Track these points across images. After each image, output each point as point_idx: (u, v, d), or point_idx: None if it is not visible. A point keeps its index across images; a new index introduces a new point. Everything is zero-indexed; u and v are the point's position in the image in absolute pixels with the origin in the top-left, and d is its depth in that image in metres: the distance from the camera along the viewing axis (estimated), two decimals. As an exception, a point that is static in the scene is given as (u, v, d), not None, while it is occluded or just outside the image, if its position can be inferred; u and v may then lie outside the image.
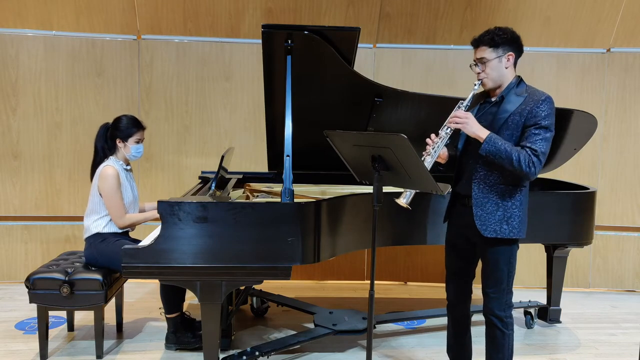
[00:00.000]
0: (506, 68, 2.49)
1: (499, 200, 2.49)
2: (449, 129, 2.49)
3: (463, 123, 2.45)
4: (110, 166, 3.20)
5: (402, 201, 2.47)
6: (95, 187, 3.22)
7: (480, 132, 2.42)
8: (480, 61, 2.49)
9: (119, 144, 3.27)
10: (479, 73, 2.51)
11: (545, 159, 2.42)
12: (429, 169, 2.40)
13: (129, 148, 3.27)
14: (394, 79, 4.54)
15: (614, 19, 4.50)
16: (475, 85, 2.53)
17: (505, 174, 2.48)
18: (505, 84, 2.52)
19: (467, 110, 2.53)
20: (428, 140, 2.52)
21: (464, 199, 2.59)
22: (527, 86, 2.53)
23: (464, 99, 2.57)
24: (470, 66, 2.57)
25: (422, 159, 2.43)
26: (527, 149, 2.39)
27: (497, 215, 2.48)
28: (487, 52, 2.47)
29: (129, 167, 3.36)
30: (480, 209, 2.50)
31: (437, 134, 2.52)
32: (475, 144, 2.49)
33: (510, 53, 2.49)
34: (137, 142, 3.29)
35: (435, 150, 2.48)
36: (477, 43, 2.51)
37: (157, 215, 3.25)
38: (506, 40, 2.47)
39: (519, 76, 2.55)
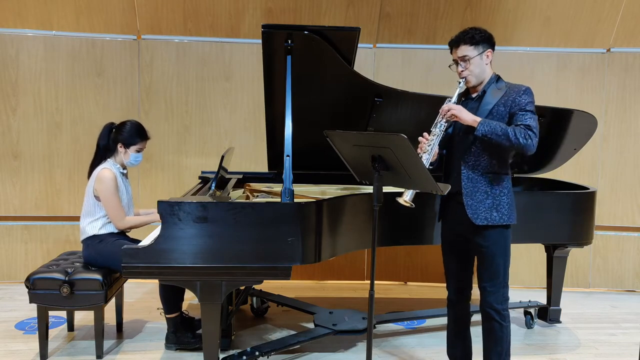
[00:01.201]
0: (486, 65, 2.58)
1: (487, 189, 2.56)
2: (442, 125, 2.54)
3: (457, 113, 2.50)
4: (108, 169, 3.19)
5: (406, 199, 2.46)
6: (90, 189, 3.22)
7: (476, 118, 2.50)
8: (463, 59, 2.56)
9: (120, 148, 3.26)
10: (462, 71, 2.58)
11: (538, 133, 2.48)
12: (427, 165, 2.43)
13: (129, 155, 3.27)
14: (394, 79, 4.54)
15: (614, 19, 4.50)
16: (459, 83, 2.60)
17: (492, 162, 2.55)
18: (486, 80, 2.61)
19: None
20: (421, 138, 2.55)
21: (456, 195, 2.62)
22: (506, 82, 2.62)
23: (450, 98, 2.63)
24: (450, 66, 2.64)
25: (419, 157, 2.45)
26: (521, 126, 2.47)
27: (486, 203, 2.55)
28: (469, 50, 2.55)
29: (125, 171, 3.35)
30: (470, 198, 2.56)
31: (429, 132, 2.55)
32: (462, 138, 2.58)
33: (489, 50, 2.58)
34: (138, 151, 3.29)
35: (432, 147, 2.50)
36: (457, 43, 2.58)
37: (157, 219, 3.27)
38: (485, 38, 2.57)
39: (497, 74, 2.64)
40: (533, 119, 2.49)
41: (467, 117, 2.49)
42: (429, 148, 2.50)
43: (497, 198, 2.55)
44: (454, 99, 2.58)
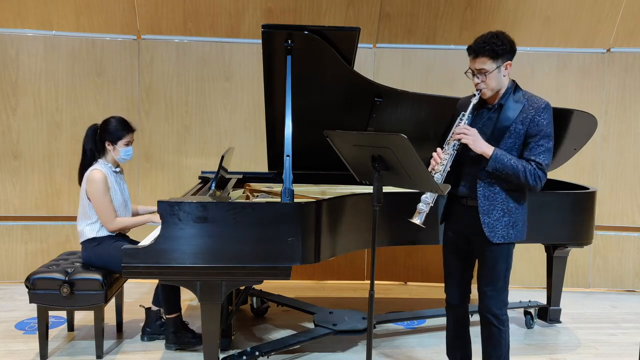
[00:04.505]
0: (504, 76, 2.49)
1: (504, 207, 2.52)
2: (456, 145, 2.47)
3: (471, 141, 2.44)
4: (98, 170, 3.18)
5: (417, 221, 2.42)
6: (83, 192, 3.21)
7: (487, 149, 2.44)
8: (480, 72, 2.46)
9: (108, 146, 3.24)
10: (478, 83, 2.49)
11: (547, 170, 2.48)
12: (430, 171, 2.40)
13: (118, 151, 3.24)
14: (394, 79, 4.54)
15: (614, 19, 4.50)
16: (475, 95, 2.51)
17: (507, 180, 2.50)
18: (502, 90, 2.52)
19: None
20: (435, 155, 2.49)
21: (462, 199, 2.60)
22: (524, 91, 2.54)
23: (464, 104, 2.58)
24: (466, 73, 2.54)
25: (433, 176, 2.42)
26: (533, 163, 2.43)
27: (503, 221, 2.51)
28: (487, 64, 2.44)
29: (118, 170, 3.34)
30: (487, 217, 2.51)
31: (442, 148, 2.50)
32: (473, 152, 2.50)
33: (509, 62, 2.48)
34: (127, 145, 3.26)
35: (445, 166, 2.45)
36: (475, 53, 2.46)
37: (150, 219, 3.28)
38: (506, 50, 2.45)
39: (513, 80, 2.56)
40: (547, 150, 2.45)
41: (479, 148, 2.44)
42: (441, 168, 2.45)
43: (514, 215, 2.52)
44: (469, 111, 2.50)
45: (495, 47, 2.42)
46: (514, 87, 2.53)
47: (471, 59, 2.49)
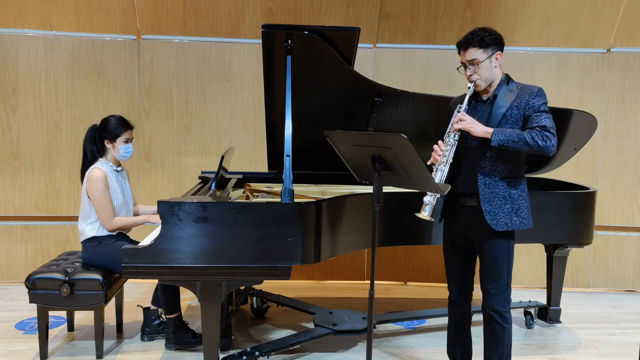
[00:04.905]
0: (495, 67, 2.54)
1: (505, 194, 2.52)
2: (456, 134, 2.49)
3: (469, 124, 2.46)
4: (98, 169, 3.18)
5: (425, 215, 2.42)
6: (84, 191, 3.22)
7: (487, 129, 2.46)
8: (472, 63, 2.51)
9: (108, 144, 3.25)
10: (470, 75, 2.53)
11: (555, 132, 2.45)
12: (444, 178, 2.42)
13: (117, 148, 3.25)
14: (394, 79, 4.55)
15: (614, 19, 4.50)
16: (469, 87, 2.55)
17: (508, 167, 2.52)
18: (496, 82, 2.56)
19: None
20: (436, 147, 2.50)
21: (462, 197, 2.60)
22: (517, 83, 2.58)
23: (457, 103, 2.60)
24: (458, 69, 2.60)
25: (435, 168, 2.44)
26: (536, 128, 2.43)
27: (505, 209, 2.51)
28: (478, 54, 2.50)
29: (119, 169, 3.34)
30: (488, 205, 2.52)
31: (443, 141, 2.51)
32: (475, 144, 2.52)
33: (499, 52, 2.54)
34: (126, 142, 3.26)
35: (447, 157, 2.46)
36: (465, 45, 2.52)
37: (149, 220, 3.28)
38: (494, 40, 2.51)
39: (506, 74, 2.60)
40: (548, 119, 2.46)
41: (480, 130, 2.45)
42: (444, 160, 2.45)
43: (517, 202, 2.52)
44: (465, 104, 2.53)
45: (484, 37, 2.49)
46: (507, 79, 2.58)
47: (462, 52, 2.55)
